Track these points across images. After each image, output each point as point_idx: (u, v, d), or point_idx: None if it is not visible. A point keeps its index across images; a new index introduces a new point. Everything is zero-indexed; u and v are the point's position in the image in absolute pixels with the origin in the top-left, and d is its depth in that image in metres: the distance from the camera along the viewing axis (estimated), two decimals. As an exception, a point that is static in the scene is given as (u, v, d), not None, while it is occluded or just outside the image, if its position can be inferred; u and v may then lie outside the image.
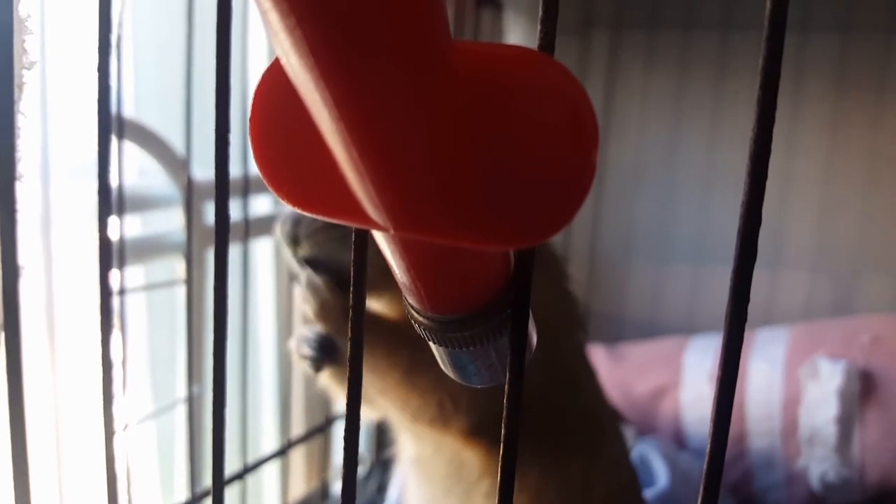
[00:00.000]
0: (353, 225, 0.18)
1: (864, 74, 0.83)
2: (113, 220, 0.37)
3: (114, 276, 0.34)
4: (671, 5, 0.90)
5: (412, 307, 0.22)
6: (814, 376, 0.69)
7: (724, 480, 0.47)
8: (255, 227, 0.63)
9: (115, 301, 0.43)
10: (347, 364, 0.23)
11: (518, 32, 0.91)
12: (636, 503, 0.53)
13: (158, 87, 0.65)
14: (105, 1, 0.30)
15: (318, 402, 0.74)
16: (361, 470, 0.80)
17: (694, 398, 0.77)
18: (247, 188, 0.59)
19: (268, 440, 0.77)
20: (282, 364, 0.77)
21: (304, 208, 0.18)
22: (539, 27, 0.19)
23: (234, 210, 0.32)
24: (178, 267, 0.57)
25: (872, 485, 0.66)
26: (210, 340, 0.26)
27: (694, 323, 0.90)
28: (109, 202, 0.32)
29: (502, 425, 0.21)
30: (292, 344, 0.49)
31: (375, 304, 0.46)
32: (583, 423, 0.49)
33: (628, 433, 0.71)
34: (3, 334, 0.31)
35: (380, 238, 0.19)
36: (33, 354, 0.49)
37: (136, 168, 0.60)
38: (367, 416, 0.52)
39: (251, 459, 0.59)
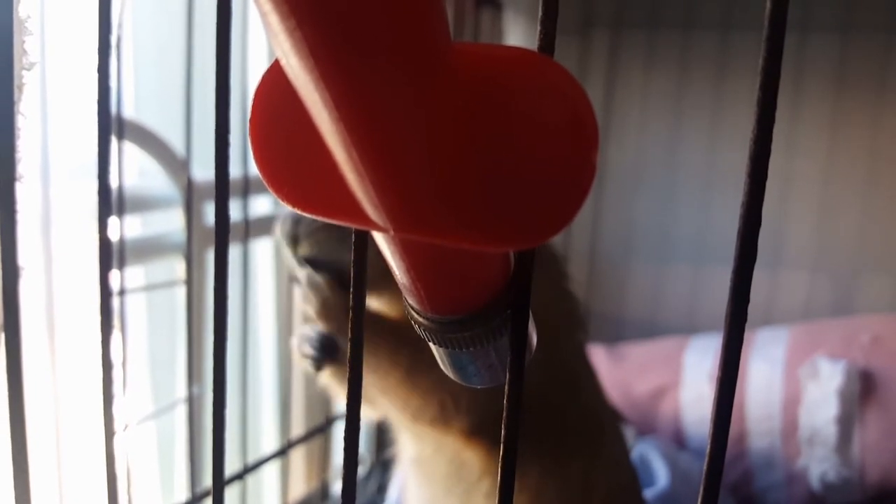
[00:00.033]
0: (353, 226, 0.18)
1: (864, 74, 0.83)
2: (113, 221, 0.37)
3: (114, 276, 0.34)
4: (671, 5, 0.90)
5: (412, 308, 0.22)
6: (814, 376, 0.69)
7: (724, 480, 0.47)
8: (255, 228, 0.63)
9: (116, 301, 0.43)
10: (348, 364, 0.23)
11: (518, 33, 0.91)
12: (636, 503, 0.53)
13: (158, 88, 0.65)
14: (105, 1, 0.30)
15: (318, 402, 0.74)
16: (361, 470, 0.80)
17: (694, 398, 0.77)
18: (247, 188, 0.59)
19: (268, 440, 0.77)
20: (282, 364, 0.77)
21: (303, 209, 0.18)
22: (539, 28, 0.19)
23: (234, 210, 0.32)
24: (178, 267, 0.57)
25: (872, 485, 0.66)
26: (210, 340, 0.26)
27: (694, 323, 0.90)
28: (109, 202, 0.32)
29: (502, 425, 0.21)
30: (293, 343, 0.49)
31: (376, 303, 0.46)
32: (583, 423, 0.49)
33: (628, 433, 0.71)
34: (3, 334, 0.31)
35: (380, 239, 0.19)
36: (33, 355, 0.49)
37: (136, 168, 0.60)
38: (368, 416, 0.52)
39: (251, 459, 0.59)
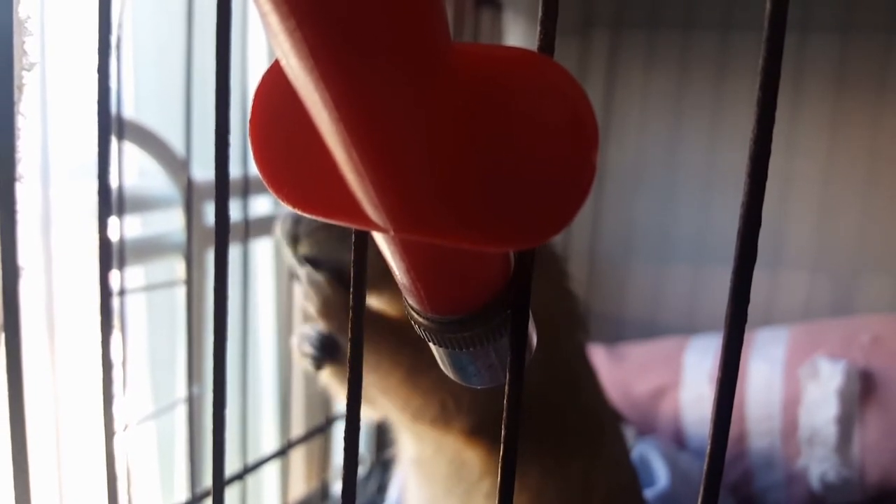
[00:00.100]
0: (353, 226, 0.18)
1: (864, 74, 0.83)
2: (113, 221, 0.37)
3: (114, 276, 0.34)
4: (671, 5, 0.90)
5: (412, 308, 0.22)
6: (814, 376, 0.69)
7: (724, 480, 0.47)
8: (255, 228, 0.63)
9: (115, 301, 0.43)
10: (348, 363, 0.23)
11: (518, 33, 0.91)
12: (636, 503, 0.53)
13: (158, 88, 0.65)
14: (105, 1, 0.30)
15: (318, 402, 0.74)
16: (361, 470, 0.80)
17: (694, 398, 0.77)
18: (247, 189, 0.59)
19: (268, 440, 0.77)
20: (282, 364, 0.77)
21: (303, 209, 0.18)
22: (539, 28, 0.19)
23: (234, 210, 0.32)
24: (178, 267, 0.57)
25: (872, 485, 0.66)
26: (210, 341, 0.26)
27: (694, 323, 0.90)
28: (109, 203, 0.32)
29: (502, 425, 0.21)
30: (293, 341, 0.49)
31: (376, 302, 0.46)
32: (583, 423, 0.49)
33: (628, 433, 0.71)
34: (3, 335, 0.31)
35: (380, 239, 0.19)
36: (33, 355, 0.49)
37: (136, 169, 0.60)
38: (368, 416, 0.52)
39: (251, 459, 0.59)
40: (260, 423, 0.77)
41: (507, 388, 0.21)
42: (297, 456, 0.76)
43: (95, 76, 0.30)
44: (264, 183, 0.18)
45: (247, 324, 0.57)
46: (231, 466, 0.35)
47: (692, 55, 0.89)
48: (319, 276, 0.43)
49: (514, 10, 0.90)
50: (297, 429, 0.74)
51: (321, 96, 0.14)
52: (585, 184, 0.16)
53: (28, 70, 0.33)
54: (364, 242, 0.22)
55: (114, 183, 0.40)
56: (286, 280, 0.75)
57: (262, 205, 0.72)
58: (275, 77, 0.18)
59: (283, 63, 0.14)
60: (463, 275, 0.20)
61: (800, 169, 0.86)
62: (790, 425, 0.70)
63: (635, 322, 0.95)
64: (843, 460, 0.66)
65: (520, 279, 0.21)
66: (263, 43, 0.70)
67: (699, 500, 0.20)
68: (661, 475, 0.67)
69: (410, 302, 0.22)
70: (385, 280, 0.33)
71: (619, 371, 0.82)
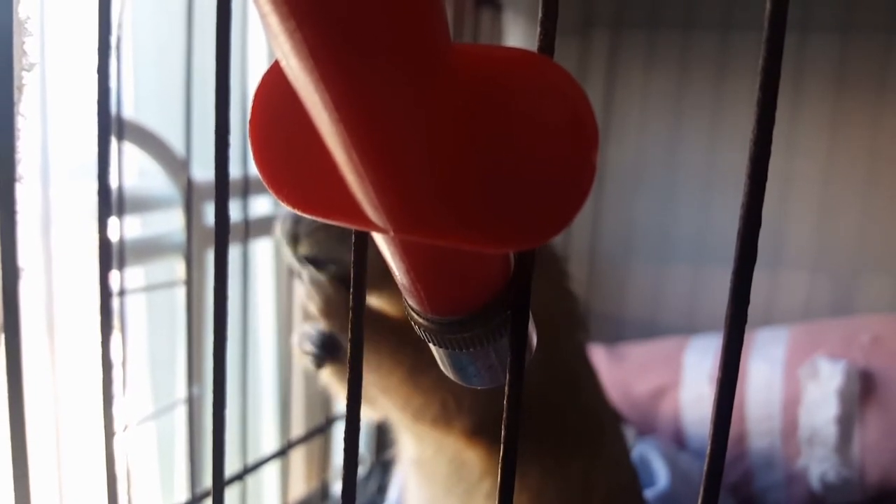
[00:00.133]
0: (353, 227, 0.18)
1: (864, 74, 0.83)
2: (113, 221, 0.37)
3: (114, 276, 0.34)
4: (671, 5, 0.90)
5: (412, 308, 0.22)
6: (814, 376, 0.69)
7: (724, 481, 0.47)
8: (255, 228, 0.63)
9: (115, 302, 0.43)
10: (348, 363, 0.23)
11: (518, 33, 0.91)
12: (636, 503, 0.53)
13: (158, 88, 0.65)
14: (105, 1, 0.30)
15: (318, 402, 0.74)
16: (361, 470, 0.80)
17: (694, 398, 0.77)
18: (247, 189, 0.59)
19: (268, 440, 0.77)
20: (282, 364, 0.77)
21: (303, 210, 0.18)
22: (539, 28, 0.19)
23: (234, 211, 0.32)
24: (178, 268, 0.57)
25: (872, 485, 0.66)
26: (210, 341, 0.26)
27: (694, 323, 0.90)
28: (109, 203, 0.32)
29: (502, 426, 0.21)
30: (294, 340, 0.49)
31: (376, 302, 0.46)
32: (583, 423, 0.49)
33: (628, 433, 0.71)
34: (3, 335, 0.31)
35: (379, 240, 0.19)
36: (33, 355, 0.49)
37: (135, 169, 0.60)
38: (368, 416, 0.52)
39: (251, 460, 0.59)
40: (260, 423, 0.77)
41: (507, 388, 0.21)
42: (297, 456, 0.76)
43: (95, 76, 0.30)
44: (264, 183, 0.18)
45: (247, 324, 0.57)
46: (231, 467, 0.35)
47: (692, 55, 0.89)
48: (321, 276, 0.43)
49: (514, 10, 0.90)
50: (297, 429, 0.74)
51: (321, 97, 0.14)
52: (585, 184, 0.16)
53: (28, 70, 0.33)
54: (364, 242, 0.22)
55: (114, 183, 0.40)
56: (286, 280, 0.75)
57: (262, 205, 0.72)
58: (275, 77, 0.18)
59: (283, 64, 0.14)
60: (463, 275, 0.20)
61: (800, 169, 0.86)
62: (790, 425, 0.70)
63: (635, 322, 0.95)
64: (843, 460, 0.66)
65: (520, 279, 0.21)
66: (263, 43, 0.70)
67: (699, 500, 0.20)
68: (661, 475, 0.67)
69: (410, 302, 0.22)
70: (385, 280, 0.33)
71: (619, 371, 0.82)
